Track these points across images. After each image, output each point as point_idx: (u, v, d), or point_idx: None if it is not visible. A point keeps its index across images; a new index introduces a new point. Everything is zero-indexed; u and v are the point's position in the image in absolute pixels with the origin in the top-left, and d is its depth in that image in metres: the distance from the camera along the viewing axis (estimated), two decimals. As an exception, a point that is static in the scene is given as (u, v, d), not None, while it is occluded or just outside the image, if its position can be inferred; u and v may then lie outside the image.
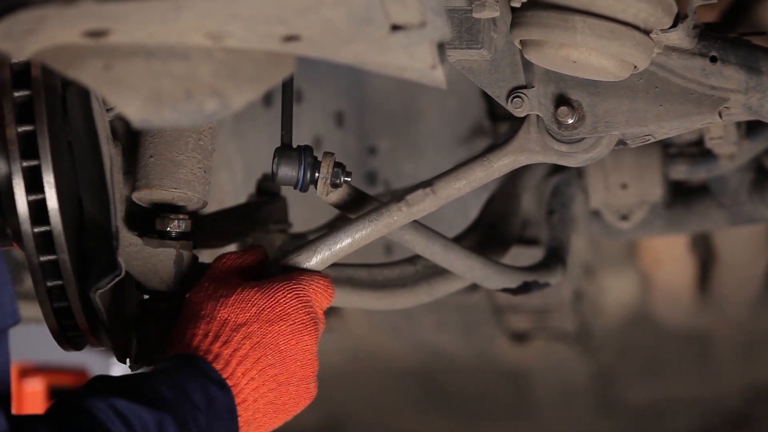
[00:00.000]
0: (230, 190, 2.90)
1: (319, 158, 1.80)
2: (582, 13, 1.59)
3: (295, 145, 1.81)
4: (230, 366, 1.66)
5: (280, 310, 1.71)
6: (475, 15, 1.65)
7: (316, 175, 1.80)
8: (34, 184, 1.61)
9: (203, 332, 1.68)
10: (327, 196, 1.82)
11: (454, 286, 2.02)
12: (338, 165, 1.81)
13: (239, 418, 1.65)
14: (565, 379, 3.54)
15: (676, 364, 3.55)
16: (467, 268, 1.93)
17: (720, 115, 1.73)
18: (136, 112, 1.33)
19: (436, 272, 2.00)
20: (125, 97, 1.33)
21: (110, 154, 1.66)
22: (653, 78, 1.73)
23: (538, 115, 1.78)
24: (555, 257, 2.15)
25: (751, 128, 2.30)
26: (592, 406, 3.70)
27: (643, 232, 2.58)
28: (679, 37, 1.67)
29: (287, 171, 1.80)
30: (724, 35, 1.74)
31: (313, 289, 1.75)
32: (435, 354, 3.35)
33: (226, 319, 1.69)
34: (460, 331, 3.21)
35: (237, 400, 1.65)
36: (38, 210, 1.62)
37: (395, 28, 1.33)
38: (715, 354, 3.51)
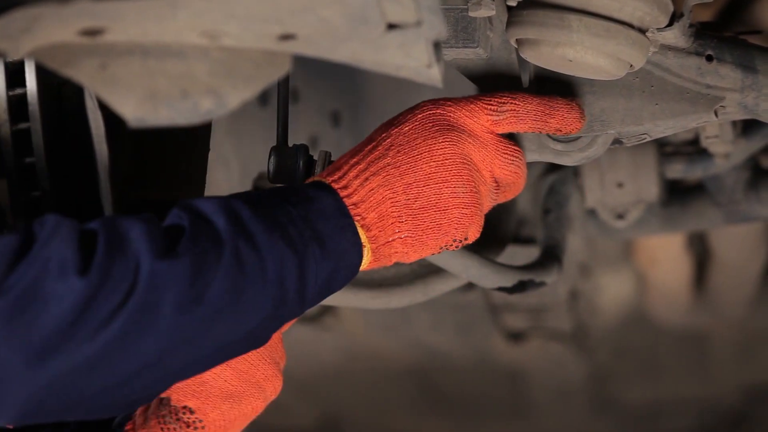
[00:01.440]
0: (226, 188, 2.89)
1: (315, 157, 1.80)
2: (578, 11, 1.59)
3: (291, 144, 1.81)
4: (339, 171, 1.59)
5: (408, 116, 1.65)
6: (471, 14, 1.65)
7: (312, 173, 1.80)
8: (30, 182, 1.62)
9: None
10: (323, 195, 1.82)
11: (450, 285, 2.01)
12: (334, 164, 1.81)
13: (360, 219, 1.56)
14: (562, 379, 3.54)
15: (672, 364, 3.55)
16: (463, 267, 1.92)
17: (716, 114, 1.73)
18: (131, 111, 1.33)
19: (432, 271, 1.99)
20: (121, 96, 1.33)
21: (104, 153, 1.66)
22: (649, 77, 1.73)
23: (534, 114, 1.78)
24: (551, 256, 2.15)
25: (746, 127, 2.30)
26: (589, 405, 3.69)
27: (639, 231, 2.58)
28: (675, 36, 1.67)
29: (283, 170, 1.79)
30: (719, 34, 1.75)
31: (464, 109, 1.66)
32: (431, 353, 3.35)
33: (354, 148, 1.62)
34: (456, 331, 3.20)
35: (352, 200, 1.56)
36: (35, 208, 1.62)
37: (391, 26, 1.33)
38: (712, 353, 3.50)
